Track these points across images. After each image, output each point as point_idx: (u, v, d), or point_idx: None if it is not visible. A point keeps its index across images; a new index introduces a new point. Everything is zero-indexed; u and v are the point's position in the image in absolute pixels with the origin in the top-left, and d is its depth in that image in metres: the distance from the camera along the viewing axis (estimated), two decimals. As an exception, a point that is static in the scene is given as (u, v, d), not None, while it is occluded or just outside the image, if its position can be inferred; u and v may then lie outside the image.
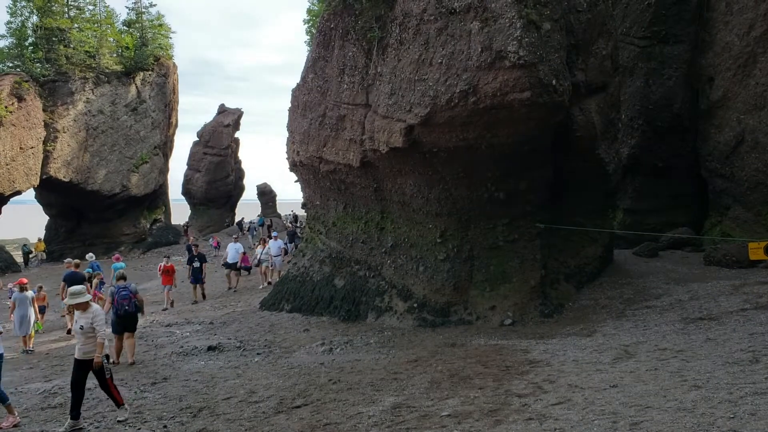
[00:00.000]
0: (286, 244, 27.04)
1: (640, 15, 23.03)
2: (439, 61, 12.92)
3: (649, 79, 22.68)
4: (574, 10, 13.94)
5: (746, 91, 18.82)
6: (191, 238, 38.71)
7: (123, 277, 13.55)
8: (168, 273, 21.52)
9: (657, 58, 22.57)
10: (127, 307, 12.77)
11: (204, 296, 22.56)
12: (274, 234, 28.02)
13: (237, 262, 24.47)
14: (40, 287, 18.59)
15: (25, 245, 42.21)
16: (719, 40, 20.08)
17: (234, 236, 30.47)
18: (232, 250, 24.54)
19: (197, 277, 22.36)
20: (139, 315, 13.71)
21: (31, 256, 40.41)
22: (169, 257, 24.03)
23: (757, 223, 18.60)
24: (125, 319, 12.84)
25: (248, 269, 25.79)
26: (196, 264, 22.32)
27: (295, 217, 47.25)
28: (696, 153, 21.75)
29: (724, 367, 8.08)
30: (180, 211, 60.10)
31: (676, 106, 22.26)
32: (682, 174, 22.54)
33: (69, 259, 20.78)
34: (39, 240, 40.89)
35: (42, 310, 18.63)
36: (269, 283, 23.46)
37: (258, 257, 24.54)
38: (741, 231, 18.84)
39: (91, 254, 22.62)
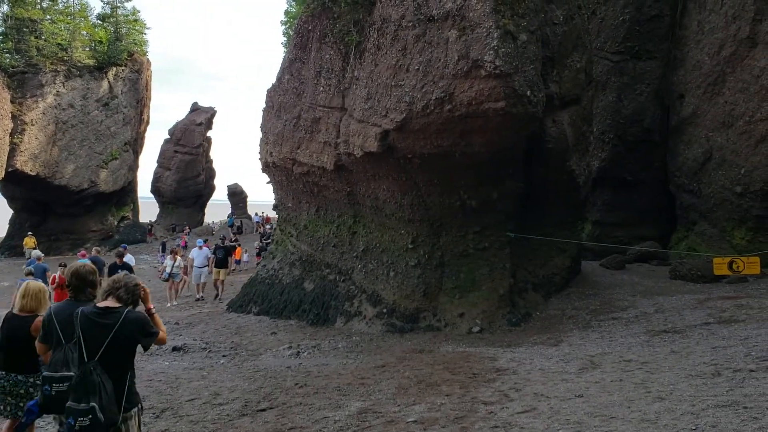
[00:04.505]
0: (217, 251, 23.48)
1: (614, 30, 23.40)
2: (416, 67, 12.94)
3: (621, 93, 23.05)
4: (550, 22, 14.09)
5: (715, 109, 19.22)
6: (159, 237, 38.07)
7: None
8: (63, 288, 15.66)
9: (629, 73, 22.95)
10: None
11: None
12: (199, 243, 23.88)
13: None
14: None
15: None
16: (690, 58, 20.49)
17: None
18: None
19: None
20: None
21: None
22: (65, 265, 15.91)
23: (722, 240, 18.97)
24: None
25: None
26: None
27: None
28: (665, 168, 22.14)
29: (687, 379, 8.17)
30: (149, 209, 59.29)
31: (646, 122, 22.64)
32: (650, 188, 22.92)
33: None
34: (29, 235, 38.38)
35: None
36: (200, 298, 21.64)
37: (169, 271, 21.76)
38: (706, 246, 19.19)
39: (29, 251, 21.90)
